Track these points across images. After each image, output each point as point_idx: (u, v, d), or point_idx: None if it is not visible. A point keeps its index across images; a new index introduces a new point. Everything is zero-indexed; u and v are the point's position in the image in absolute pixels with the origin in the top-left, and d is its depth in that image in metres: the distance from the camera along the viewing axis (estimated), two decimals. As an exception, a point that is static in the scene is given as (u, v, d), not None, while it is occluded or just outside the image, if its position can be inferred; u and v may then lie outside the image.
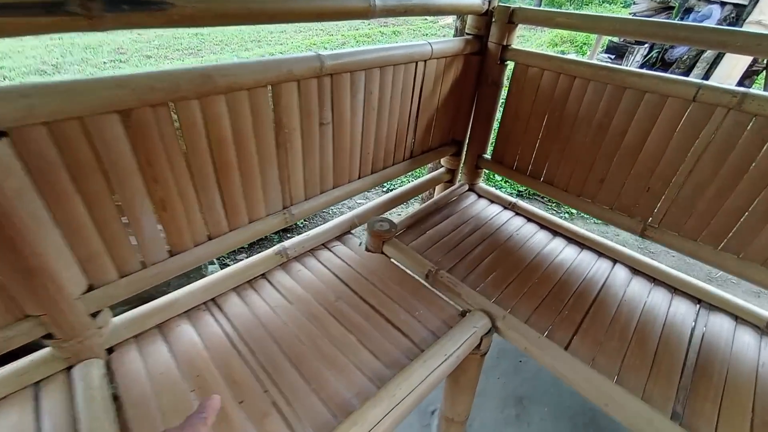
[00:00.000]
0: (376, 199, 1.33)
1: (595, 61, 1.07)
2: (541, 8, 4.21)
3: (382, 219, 1.19)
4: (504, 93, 1.31)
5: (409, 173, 1.73)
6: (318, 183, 1.06)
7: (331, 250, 1.15)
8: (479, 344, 0.90)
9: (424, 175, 1.63)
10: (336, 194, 1.11)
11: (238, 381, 0.78)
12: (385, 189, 2.57)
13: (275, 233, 2.05)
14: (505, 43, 1.21)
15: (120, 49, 6.10)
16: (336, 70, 0.90)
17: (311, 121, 0.93)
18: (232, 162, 0.82)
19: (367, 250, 1.19)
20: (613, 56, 4.06)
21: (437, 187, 1.61)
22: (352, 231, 1.24)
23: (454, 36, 1.62)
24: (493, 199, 1.45)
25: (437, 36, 7.45)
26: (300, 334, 0.89)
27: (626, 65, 3.43)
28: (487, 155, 1.44)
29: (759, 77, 3.61)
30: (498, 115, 1.37)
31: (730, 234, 0.99)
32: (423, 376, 0.78)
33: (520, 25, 1.19)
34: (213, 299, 0.95)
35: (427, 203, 1.37)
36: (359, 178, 1.17)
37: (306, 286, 1.02)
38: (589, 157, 1.16)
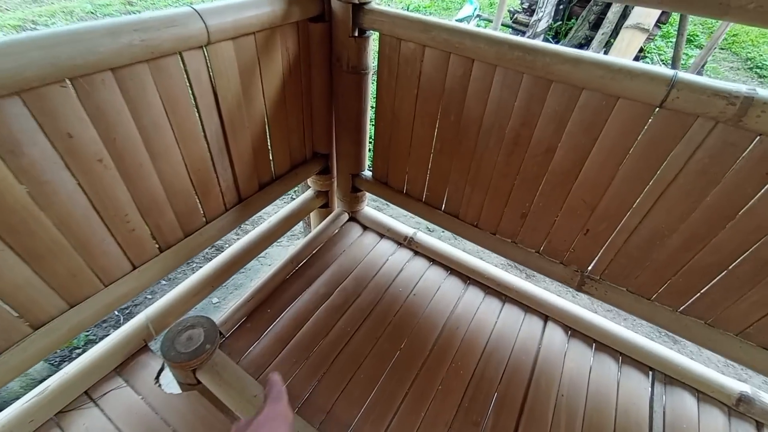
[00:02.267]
0: (186, 280, 0.83)
1: (501, 34, 0.63)
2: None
3: (192, 323, 0.71)
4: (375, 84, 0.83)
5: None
6: (13, 322, 0.53)
7: (99, 405, 0.66)
8: None
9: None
10: (82, 316, 0.60)
11: None
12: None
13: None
14: (357, 0, 0.70)
15: None
16: None
17: None
18: None
19: (183, 387, 0.72)
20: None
21: (312, 214, 1.15)
22: (150, 345, 0.75)
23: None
24: (384, 233, 1.03)
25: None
26: None
27: (542, 5, 3.04)
28: (367, 173, 0.98)
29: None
30: (372, 117, 0.89)
31: (698, 295, 0.68)
32: None
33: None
34: None
35: (281, 263, 0.90)
36: (135, 269, 0.66)
37: None
38: (505, 183, 0.76)
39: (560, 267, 0.80)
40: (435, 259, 0.97)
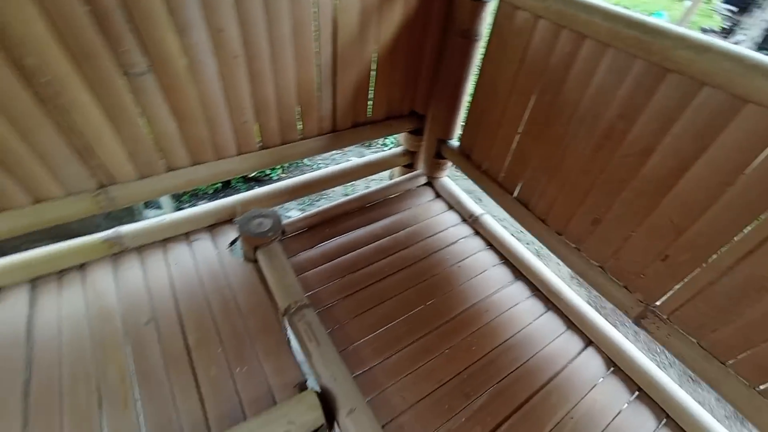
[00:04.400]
0: (288, 180, 0.99)
1: (620, 9, 0.57)
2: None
3: (265, 213, 0.86)
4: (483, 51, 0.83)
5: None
6: (156, 158, 0.74)
7: (191, 245, 0.87)
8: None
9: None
10: (196, 175, 0.80)
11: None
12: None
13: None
14: (487, -38, 0.71)
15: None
16: (119, -17, 0.53)
17: (99, 67, 0.59)
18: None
19: (245, 258, 0.89)
20: (735, 9, 2.87)
21: (396, 170, 1.22)
22: (235, 220, 0.94)
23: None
24: (453, 205, 1.04)
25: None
26: (66, 371, 0.65)
27: (747, 26, 2.39)
28: (454, 142, 1.00)
29: None
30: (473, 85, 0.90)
31: (792, 378, 0.53)
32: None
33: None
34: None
35: (351, 197, 1.00)
36: (238, 154, 0.83)
37: (125, 294, 0.76)
38: (584, 180, 0.70)
39: (622, 291, 0.70)
40: (492, 243, 0.95)
